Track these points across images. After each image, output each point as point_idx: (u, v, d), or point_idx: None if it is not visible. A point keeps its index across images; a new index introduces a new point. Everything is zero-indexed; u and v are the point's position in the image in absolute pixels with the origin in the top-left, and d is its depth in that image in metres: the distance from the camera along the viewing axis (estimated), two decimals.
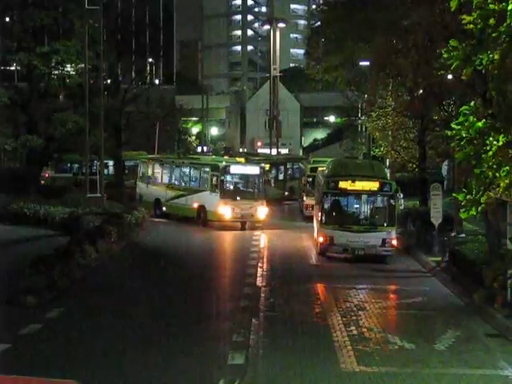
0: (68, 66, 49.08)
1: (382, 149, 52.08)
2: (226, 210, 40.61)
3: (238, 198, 41.32)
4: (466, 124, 18.01)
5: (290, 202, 58.02)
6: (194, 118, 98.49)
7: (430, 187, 33.71)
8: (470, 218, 24.44)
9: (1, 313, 21.47)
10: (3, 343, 18.32)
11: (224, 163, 43.46)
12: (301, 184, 55.22)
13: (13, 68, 49.36)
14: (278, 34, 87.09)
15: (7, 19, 48.77)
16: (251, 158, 61.41)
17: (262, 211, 41.72)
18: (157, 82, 78.99)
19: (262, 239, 38.59)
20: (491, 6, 11.72)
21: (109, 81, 54.71)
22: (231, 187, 42.59)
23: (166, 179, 47.84)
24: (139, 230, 39.39)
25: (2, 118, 47.69)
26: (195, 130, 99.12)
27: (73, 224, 35.83)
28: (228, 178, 42.28)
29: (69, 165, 63.99)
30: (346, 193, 33.23)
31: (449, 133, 21.18)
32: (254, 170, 43.67)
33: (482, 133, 17.05)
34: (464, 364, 18.17)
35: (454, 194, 24.56)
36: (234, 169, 42.76)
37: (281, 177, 61.46)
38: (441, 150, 37.79)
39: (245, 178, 43.44)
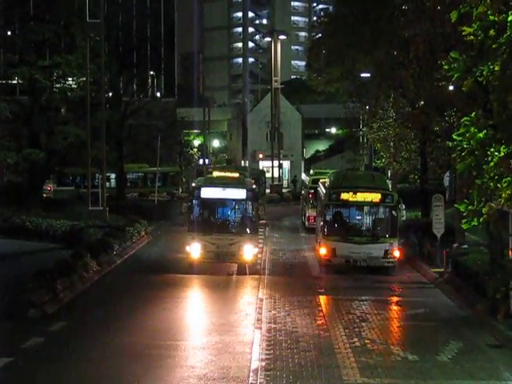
0: (70, 79, 49.24)
1: (383, 160, 52.23)
2: (193, 248, 30.81)
3: (214, 232, 31.18)
4: (467, 135, 18.05)
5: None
6: (196, 131, 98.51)
7: (432, 198, 33.70)
8: (473, 229, 24.48)
9: (3, 326, 21.51)
10: (5, 357, 18.39)
11: (195, 183, 34.53)
12: (302, 195, 55.28)
13: (14, 82, 49.42)
14: (279, 46, 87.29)
15: (9, 33, 48.87)
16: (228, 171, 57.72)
17: (248, 249, 30.78)
18: (158, 94, 79.20)
19: (264, 252, 38.33)
20: (491, 17, 11.77)
21: (110, 94, 54.79)
22: (204, 216, 32.18)
23: None
24: (141, 242, 39.44)
25: (4, 132, 47.85)
26: (197, 142, 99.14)
27: (75, 237, 35.90)
28: (200, 203, 32.06)
29: (71, 178, 64.09)
30: (347, 204, 33.26)
31: (450, 144, 21.29)
32: (238, 193, 31.83)
33: (483, 144, 17.08)
34: (467, 375, 18.12)
35: (455, 205, 24.56)
36: (208, 191, 31.95)
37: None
38: (442, 161, 37.80)
39: (226, 203, 32.66)
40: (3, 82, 48.76)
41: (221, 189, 31.79)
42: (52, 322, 22.35)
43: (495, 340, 21.46)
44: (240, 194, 31.54)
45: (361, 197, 33.00)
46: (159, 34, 79.96)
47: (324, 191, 35.66)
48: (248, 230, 31.48)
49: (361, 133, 65.37)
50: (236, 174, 40.46)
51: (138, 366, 18.00)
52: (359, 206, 33.26)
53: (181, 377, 17.29)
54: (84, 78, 45.76)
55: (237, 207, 32.31)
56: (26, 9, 50.24)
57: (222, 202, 32.49)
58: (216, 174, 42.16)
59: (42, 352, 19.31)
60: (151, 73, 74.74)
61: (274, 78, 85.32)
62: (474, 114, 18.60)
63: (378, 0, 49.92)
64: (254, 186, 33.86)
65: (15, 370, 17.50)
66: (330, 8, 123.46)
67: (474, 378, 17.98)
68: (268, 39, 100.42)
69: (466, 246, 31.55)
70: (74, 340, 20.20)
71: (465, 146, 18.33)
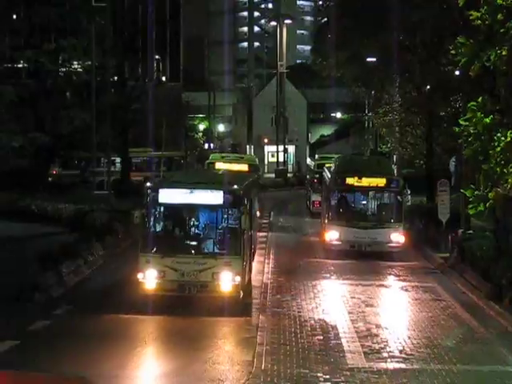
0: (75, 63, 49.25)
1: (388, 145, 52.29)
2: (148, 276, 20.80)
3: (178, 253, 21.09)
4: (474, 120, 18.02)
5: None
6: (201, 115, 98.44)
7: (438, 183, 33.70)
8: (478, 215, 24.47)
9: (9, 309, 21.57)
10: (12, 339, 18.46)
11: (149, 183, 23.07)
12: (307, 180, 55.29)
13: (20, 65, 49.44)
14: (284, 30, 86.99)
15: (14, 16, 48.84)
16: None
17: (226, 278, 20.69)
18: (163, 78, 79.05)
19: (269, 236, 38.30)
20: (499, 1, 11.70)
21: (115, 78, 54.62)
22: (163, 230, 21.96)
23: None
24: None
25: (9, 115, 47.79)
26: (202, 126, 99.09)
27: (80, 221, 35.92)
28: (158, 212, 21.89)
29: (76, 162, 64.03)
30: (352, 189, 33.23)
31: (456, 129, 21.22)
32: (212, 197, 21.20)
33: (489, 129, 17.06)
34: (472, 360, 18.18)
35: (461, 190, 24.57)
36: (169, 195, 21.53)
37: None
38: (448, 147, 37.80)
39: (196, 212, 21.99)
40: (8, 66, 48.74)
41: (187, 191, 20.94)
42: (57, 305, 22.46)
43: (500, 325, 21.49)
44: (215, 197, 20.82)
45: (366, 182, 32.93)
46: (164, 18, 79.81)
47: (329, 176, 35.61)
48: (227, 249, 20.94)
49: (366, 118, 65.36)
50: (244, 166, 39.91)
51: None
52: (364, 191, 33.23)
53: (185, 362, 17.29)
54: (89, 62, 45.79)
55: (211, 217, 21.65)
56: None
57: (190, 210, 21.57)
58: (219, 165, 39.01)
59: (47, 335, 19.40)
60: (156, 57, 74.75)
61: (279, 63, 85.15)
62: (480, 99, 18.56)
63: None
64: (242, 186, 22.40)
65: (21, 352, 17.52)
66: None
67: (478, 362, 18.05)
68: (274, 23, 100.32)
69: (471, 232, 31.55)
70: (79, 323, 20.23)
71: (471, 132, 18.31)
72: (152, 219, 21.42)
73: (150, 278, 20.60)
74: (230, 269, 20.64)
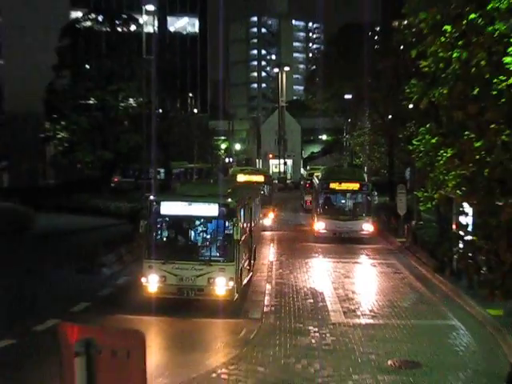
0: (131, 99, 49.37)
1: (361, 159, 52.20)
2: (150, 280, 17.93)
3: (177, 260, 18.00)
4: (423, 141, 18.06)
5: None
6: (223, 137, 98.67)
7: (397, 187, 33.66)
8: (427, 210, 24.50)
9: (83, 280, 21.69)
10: (85, 302, 18.60)
11: (152, 197, 19.42)
12: (301, 185, 55.25)
13: (91, 102, 49.63)
14: (284, 75, 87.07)
15: (88, 66, 49.07)
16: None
17: (220, 283, 17.69)
18: (195, 110, 79.14)
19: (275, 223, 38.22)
20: (441, 54, 11.72)
21: (160, 110, 54.78)
22: (164, 239, 18.83)
23: None
24: None
25: (83, 139, 48.04)
26: (223, 145, 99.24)
27: (135, 216, 35.95)
28: (160, 222, 18.71)
29: (131, 172, 64.17)
30: (334, 191, 33.22)
31: (410, 147, 21.24)
32: (208, 209, 18.22)
33: (435, 147, 17.06)
34: (422, 316, 18.25)
35: (414, 192, 24.58)
36: (169, 207, 18.53)
37: None
38: (404, 160, 37.69)
39: (193, 223, 18.73)
40: (83, 102, 48.95)
41: (186, 204, 18.19)
42: (118, 277, 22.56)
43: (442, 291, 21.52)
44: (210, 210, 18.08)
45: (344, 186, 32.97)
46: (196, 66, 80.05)
47: (317, 182, 35.64)
48: (221, 256, 18.05)
49: (344, 139, 65.19)
50: (260, 177, 38.61)
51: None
52: (343, 192, 33.23)
53: (210, 317, 17.23)
54: (141, 99, 46.00)
55: (207, 227, 18.67)
56: (99, 49, 50.41)
57: (188, 221, 18.65)
58: (240, 177, 37.24)
59: (111, 299, 19.48)
60: (190, 94, 74.87)
61: (280, 99, 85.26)
62: (428, 125, 18.59)
63: (356, 41, 49.84)
64: (236, 199, 18.60)
65: (92, 312, 17.65)
66: (322, 47, 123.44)
67: (426, 318, 18.15)
68: (276, 70, 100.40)
69: (421, 223, 31.53)
70: (135, 291, 20.30)
71: (421, 149, 18.33)
72: (154, 229, 18.34)
73: (152, 282, 17.76)
74: (224, 274, 17.57)
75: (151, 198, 18.95)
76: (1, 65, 62.43)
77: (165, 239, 18.66)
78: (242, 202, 19.74)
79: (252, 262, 22.37)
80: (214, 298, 17.68)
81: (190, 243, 18.56)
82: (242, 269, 18.86)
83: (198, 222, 18.49)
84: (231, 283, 17.53)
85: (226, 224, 17.88)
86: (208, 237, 18.54)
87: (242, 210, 19.61)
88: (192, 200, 18.17)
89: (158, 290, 17.74)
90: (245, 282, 20.23)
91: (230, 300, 17.76)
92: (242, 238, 18.95)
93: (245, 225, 20.37)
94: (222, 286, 17.48)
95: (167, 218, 18.60)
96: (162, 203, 18.28)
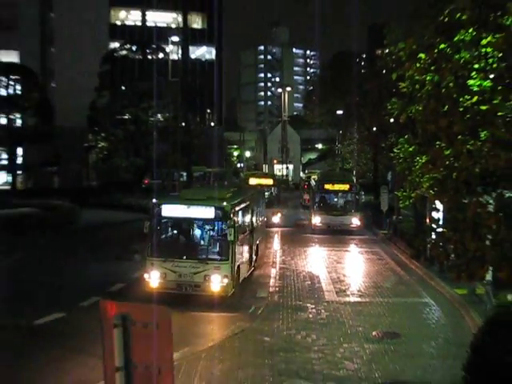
0: (159, 115, 49.46)
1: (350, 164, 52.07)
2: (152, 276, 16.38)
3: (176, 258, 16.37)
4: (402, 149, 17.96)
5: None
6: (235, 146, 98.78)
7: (381, 188, 33.60)
8: (405, 207, 24.47)
9: (119, 265, 21.73)
10: (121, 283, 18.62)
11: (154, 199, 17.30)
12: (300, 186, 55.23)
13: (126, 117, 49.82)
14: (286, 94, 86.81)
15: (123, 88, 49.23)
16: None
17: (216, 280, 16.11)
18: (212, 124, 79.11)
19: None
20: (416, 77, 11.71)
21: (183, 124, 54.89)
22: (165, 239, 17.56)
23: None
24: None
25: (120, 147, 48.23)
26: (236, 153, 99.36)
27: None
28: (161, 223, 17.35)
29: (159, 175, 64.20)
30: (328, 191, 33.14)
31: (392, 154, 21.17)
32: (205, 211, 16.64)
33: (412, 154, 16.99)
34: (401, 295, 18.18)
35: (395, 192, 24.51)
36: (170, 209, 16.98)
37: None
38: (387, 165, 37.63)
39: (192, 224, 17.28)
40: (119, 117, 49.14)
41: (185, 206, 16.61)
42: None
43: (418, 274, 21.48)
44: (207, 212, 16.50)
45: (336, 187, 32.90)
46: (213, 87, 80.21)
47: (314, 183, 35.58)
48: (217, 255, 16.47)
49: (336, 148, 65.14)
50: (270, 180, 37.51)
51: None
52: (335, 192, 33.15)
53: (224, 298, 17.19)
54: (167, 114, 46.16)
55: (205, 228, 17.25)
56: (133, 73, 50.56)
57: (187, 223, 17.13)
58: (252, 180, 36.40)
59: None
60: (208, 110, 74.86)
61: (283, 114, 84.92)
62: (406, 136, 18.52)
63: (347, 66, 49.93)
64: (233, 202, 17.05)
65: (126, 291, 17.69)
66: (318, 71, 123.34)
67: (404, 296, 18.07)
68: (279, 90, 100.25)
69: (401, 217, 31.46)
70: None
71: (401, 156, 18.24)
72: (156, 229, 16.90)
73: (154, 278, 16.27)
74: (219, 272, 15.98)
75: (154, 200, 17.12)
76: (53, 87, 62.85)
77: (166, 239, 17.29)
78: (240, 204, 18.32)
79: (254, 257, 20.86)
80: (209, 293, 16.07)
81: (188, 243, 17.02)
82: (239, 266, 17.34)
83: (196, 224, 17.07)
84: (226, 280, 16.01)
85: (222, 225, 16.48)
86: (205, 237, 17.13)
87: (241, 212, 18.29)
88: (190, 203, 16.61)
89: (159, 286, 16.29)
90: (246, 276, 18.94)
91: (225, 296, 16.17)
92: (241, 237, 17.90)
93: (245, 224, 19.14)
94: (217, 282, 15.93)
95: (168, 220, 17.20)
96: (163, 206, 16.79)
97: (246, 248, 19.09)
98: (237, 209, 17.43)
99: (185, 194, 18.32)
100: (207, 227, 17.04)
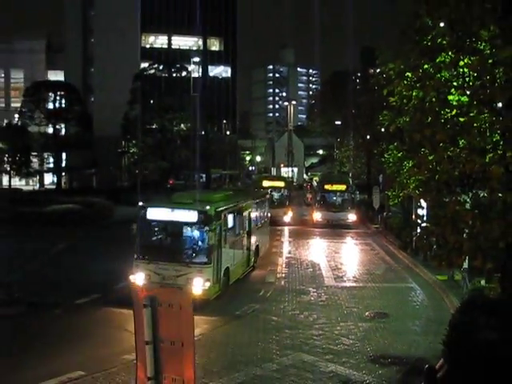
0: (182, 125, 49.70)
1: (347, 168, 51.88)
2: (137, 278, 14.16)
3: (161, 261, 14.21)
4: (392, 155, 17.94)
5: None
6: (248, 152, 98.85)
7: (373, 188, 33.50)
8: (394, 205, 24.39)
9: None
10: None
11: (141, 203, 15.21)
12: (304, 186, 55.11)
13: (154, 126, 50.11)
14: (291, 107, 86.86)
15: (151, 101, 49.50)
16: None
17: (197, 283, 13.84)
18: (227, 132, 79.21)
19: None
20: (404, 93, 11.69)
21: (202, 132, 55.07)
22: (150, 242, 15.06)
23: None
24: None
25: (148, 153, 48.47)
26: (248, 158, 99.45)
27: None
28: (146, 226, 14.95)
29: (182, 176, 64.35)
30: (328, 191, 33.10)
31: (383, 159, 21.11)
32: (188, 215, 14.47)
33: (400, 160, 16.96)
34: (391, 281, 18.19)
35: (386, 192, 24.43)
36: (155, 212, 14.86)
37: None
38: (378, 169, 37.50)
39: (176, 227, 14.80)
40: (148, 127, 49.44)
41: (169, 210, 14.65)
42: None
43: (405, 263, 21.41)
44: (190, 216, 14.44)
45: (335, 187, 32.88)
46: (228, 101, 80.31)
47: (316, 184, 35.58)
48: (200, 260, 14.24)
49: (335, 153, 64.99)
50: (281, 182, 35.44)
51: None
52: (334, 192, 33.11)
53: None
54: (189, 124, 46.35)
55: (188, 231, 14.79)
56: (160, 89, 50.86)
57: (171, 226, 14.86)
58: (265, 182, 34.11)
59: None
60: (224, 121, 74.93)
61: (289, 124, 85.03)
62: (395, 143, 18.48)
63: (344, 83, 49.87)
64: (218, 207, 15.13)
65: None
66: (319, 87, 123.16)
67: (392, 282, 18.07)
68: (286, 103, 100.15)
69: (390, 214, 31.38)
70: None
71: (390, 161, 18.22)
72: (142, 232, 14.73)
73: (139, 280, 14.00)
74: (202, 276, 13.88)
75: (140, 204, 15.02)
76: (92, 101, 63.36)
77: (151, 242, 14.96)
78: (231, 208, 16.29)
79: (253, 258, 18.83)
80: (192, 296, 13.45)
81: (172, 246, 14.76)
82: (228, 268, 15.43)
83: (179, 227, 14.63)
84: (208, 284, 13.91)
85: (205, 229, 14.26)
86: (188, 240, 14.70)
87: (233, 215, 16.37)
88: (174, 207, 14.61)
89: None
90: (240, 277, 17.05)
91: (207, 300, 13.90)
92: (233, 240, 16.11)
93: (238, 227, 16.95)
94: (199, 286, 13.73)
95: (153, 223, 14.94)
96: (148, 209, 14.72)
97: (239, 250, 17.02)
98: (225, 213, 15.47)
99: (175, 197, 15.86)
100: (191, 231, 14.66)
